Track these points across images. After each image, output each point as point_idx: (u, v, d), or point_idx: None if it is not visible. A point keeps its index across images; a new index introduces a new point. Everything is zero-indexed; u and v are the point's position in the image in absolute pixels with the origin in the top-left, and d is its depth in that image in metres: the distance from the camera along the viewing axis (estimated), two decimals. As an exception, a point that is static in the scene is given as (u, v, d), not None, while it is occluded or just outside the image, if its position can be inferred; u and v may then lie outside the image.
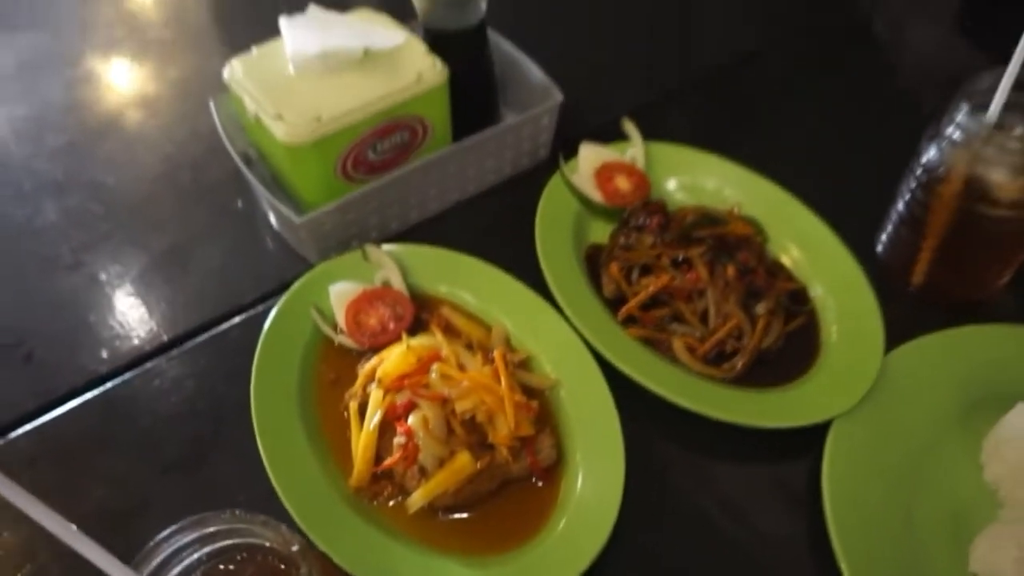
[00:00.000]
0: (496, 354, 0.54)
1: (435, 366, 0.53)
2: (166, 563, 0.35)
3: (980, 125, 0.54)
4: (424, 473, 0.51)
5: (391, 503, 0.52)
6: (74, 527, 0.31)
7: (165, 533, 0.35)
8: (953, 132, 0.56)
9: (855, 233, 0.65)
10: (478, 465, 0.51)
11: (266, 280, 0.65)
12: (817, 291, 0.62)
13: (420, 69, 0.64)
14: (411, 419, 0.51)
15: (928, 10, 0.94)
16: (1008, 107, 0.55)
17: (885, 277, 0.63)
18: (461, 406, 0.51)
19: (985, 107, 0.55)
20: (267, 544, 0.36)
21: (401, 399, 0.52)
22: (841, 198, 0.67)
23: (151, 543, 0.34)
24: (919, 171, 0.59)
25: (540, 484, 0.53)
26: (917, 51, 0.90)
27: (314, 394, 0.57)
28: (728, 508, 0.53)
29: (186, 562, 0.35)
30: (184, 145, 0.78)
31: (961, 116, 0.55)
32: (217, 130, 0.69)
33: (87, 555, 0.30)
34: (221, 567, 0.36)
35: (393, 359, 0.54)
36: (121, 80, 0.87)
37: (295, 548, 0.34)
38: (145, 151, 0.78)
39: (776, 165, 0.68)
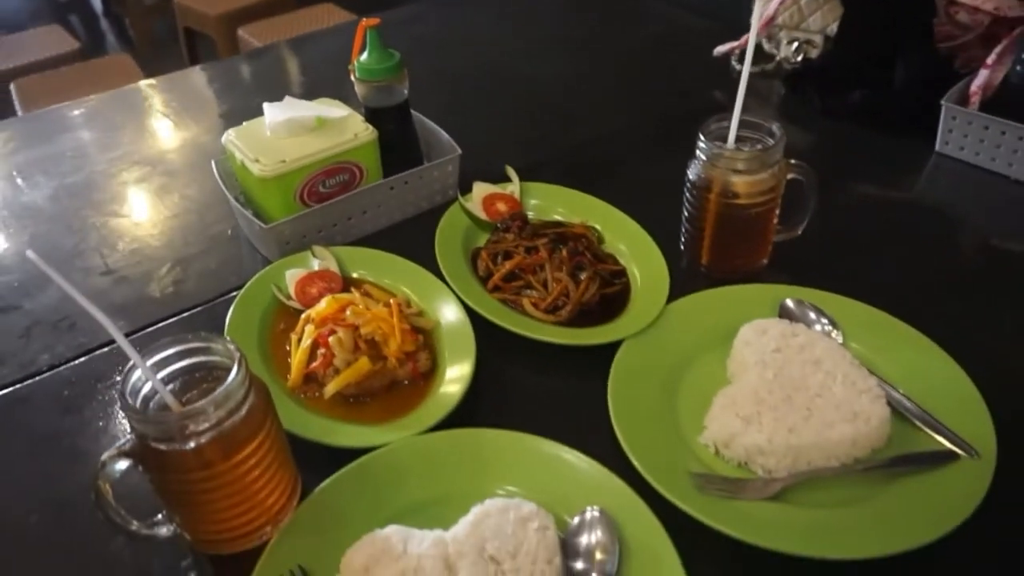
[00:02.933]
0: (392, 301, 0.79)
1: (349, 308, 0.78)
2: (157, 365, 0.58)
3: (720, 150, 0.81)
4: (337, 373, 0.74)
5: (316, 395, 0.75)
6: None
7: (155, 345, 0.59)
8: (701, 156, 0.83)
9: (668, 236, 0.91)
10: (374, 367, 0.75)
11: (244, 274, 0.91)
12: (632, 270, 0.88)
13: (357, 131, 0.93)
14: (331, 339, 0.76)
15: (761, 98, 1.24)
16: (738, 139, 0.82)
17: (687, 263, 0.89)
18: (365, 330, 0.76)
19: (723, 138, 0.82)
20: (218, 359, 0.60)
21: (325, 330, 0.77)
22: (661, 215, 0.93)
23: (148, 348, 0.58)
24: (689, 186, 0.85)
25: (420, 384, 0.76)
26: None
27: (269, 338, 0.81)
28: (551, 400, 0.76)
29: (168, 369, 0.59)
30: (192, 197, 1.07)
31: (704, 146, 0.82)
32: (214, 187, 0.97)
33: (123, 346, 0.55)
34: (194, 376, 0.60)
35: (322, 306, 0.79)
36: (147, 158, 1.17)
37: (236, 355, 0.58)
38: (163, 202, 1.07)
39: (620, 199, 0.96)
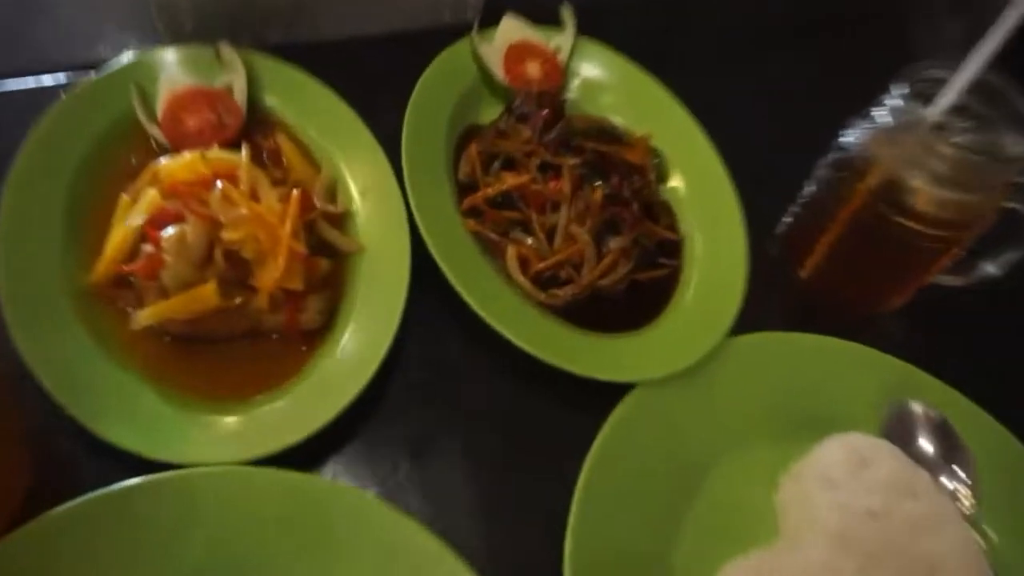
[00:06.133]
0: (294, 192, 0.47)
1: (221, 184, 0.46)
2: None
3: (916, 117, 0.46)
4: (164, 293, 0.44)
5: (128, 310, 0.46)
6: None
7: None
8: (883, 117, 0.47)
9: (763, 201, 0.57)
10: (227, 302, 0.44)
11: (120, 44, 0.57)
12: (692, 249, 0.55)
13: None
14: (166, 233, 0.45)
15: None
16: (955, 109, 0.46)
17: (779, 259, 0.56)
18: (229, 234, 0.45)
19: (927, 98, 0.46)
20: None
21: (173, 207, 0.46)
22: (764, 160, 0.59)
23: None
24: (837, 153, 0.51)
25: (297, 347, 0.47)
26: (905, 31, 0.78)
27: (101, 175, 0.50)
28: (502, 421, 0.48)
29: None
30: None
31: (896, 101, 0.46)
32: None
33: None
34: None
35: (181, 162, 0.47)
36: None
37: None
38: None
39: (708, 110, 0.60)
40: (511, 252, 0.51)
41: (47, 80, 0.56)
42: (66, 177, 0.49)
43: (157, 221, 0.46)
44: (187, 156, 0.48)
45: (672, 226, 0.56)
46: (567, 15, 0.62)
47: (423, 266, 0.49)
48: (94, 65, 0.55)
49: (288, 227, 0.46)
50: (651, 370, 0.47)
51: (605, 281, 0.51)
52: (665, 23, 0.71)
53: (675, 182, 0.58)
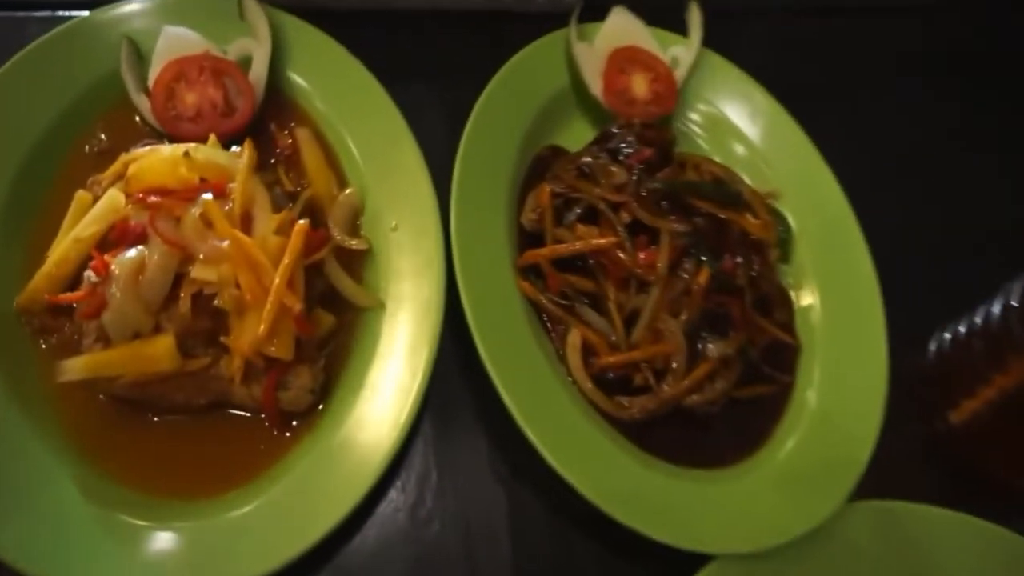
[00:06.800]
0: (299, 224, 0.35)
1: (203, 200, 0.34)
2: None
3: None
4: (105, 339, 0.33)
5: (54, 342, 0.35)
6: None
7: None
8: None
9: (917, 304, 0.44)
10: (183, 364, 0.33)
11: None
12: (810, 365, 0.42)
13: None
14: (117, 261, 0.33)
15: None
16: None
17: (919, 390, 0.43)
18: (201, 272, 0.33)
19: None
20: None
21: (138, 221, 0.34)
22: (925, 249, 0.45)
23: None
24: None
25: (271, 437, 0.35)
26: None
27: (64, 155, 0.39)
28: (525, 558, 0.36)
29: None
30: None
31: None
32: None
33: None
34: None
35: (158, 159, 0.36)
36: None
37: None
38: None
39: (856, 168, 0.46)
40: (574, 336, 0.39)
41: (20, 15, 0.45)
42: (17, 154, 0.38)
43: (112, 238, 0.34)
44: (165, 151, 0.36)
45: (788, 325, 0.42)
46: (694, 17, 0.48)
47: (455, 329, 0.37)
48: (87, 4, 0.43)
49: (284, 271, 0.34)
50: (738, 540, 0.35)
51: (698, 398, 0.38)
52: (822, 54, 0.55)
53: (800, 266, 0.44)
